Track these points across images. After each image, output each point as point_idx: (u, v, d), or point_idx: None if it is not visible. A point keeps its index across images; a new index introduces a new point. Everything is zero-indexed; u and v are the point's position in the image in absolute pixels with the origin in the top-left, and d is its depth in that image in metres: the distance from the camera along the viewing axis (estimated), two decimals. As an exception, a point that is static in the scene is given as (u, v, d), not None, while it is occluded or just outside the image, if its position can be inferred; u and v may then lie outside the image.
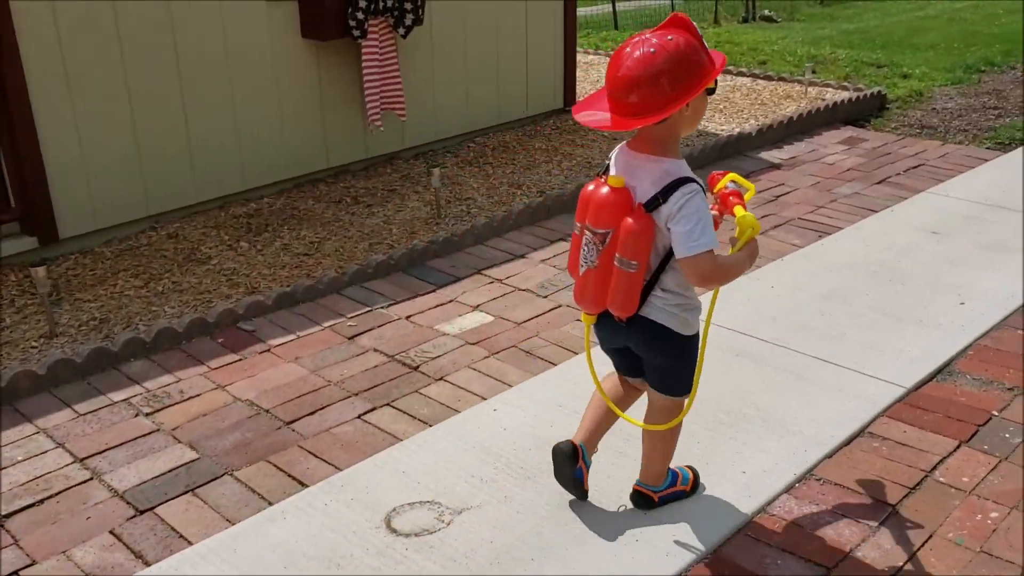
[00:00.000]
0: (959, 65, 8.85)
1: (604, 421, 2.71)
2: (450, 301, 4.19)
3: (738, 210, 2.40)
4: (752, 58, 9.06)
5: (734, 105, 7.15)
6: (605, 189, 2.34)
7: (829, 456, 2.97)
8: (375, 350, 3.76)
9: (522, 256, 4.67)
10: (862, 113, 7.17)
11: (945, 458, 2.95)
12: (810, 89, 7.54)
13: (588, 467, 2.69)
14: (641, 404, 2.70)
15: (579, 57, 8.87)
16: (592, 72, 8.36)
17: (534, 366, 3.60)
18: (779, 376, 3.43)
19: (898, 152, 6.31)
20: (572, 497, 2.75)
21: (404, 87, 5.63)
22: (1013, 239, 4.67)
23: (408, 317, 4.04)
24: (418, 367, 3.62)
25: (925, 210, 5.14)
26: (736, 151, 6.18)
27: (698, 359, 2.52)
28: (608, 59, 9.08)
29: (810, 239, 4.79)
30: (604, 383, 2.70)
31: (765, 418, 3.17)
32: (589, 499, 2.75)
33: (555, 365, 3.57)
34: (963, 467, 2.91)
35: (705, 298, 2.54)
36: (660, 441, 2.64)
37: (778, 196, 5.48)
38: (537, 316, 4.03)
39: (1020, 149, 6.22)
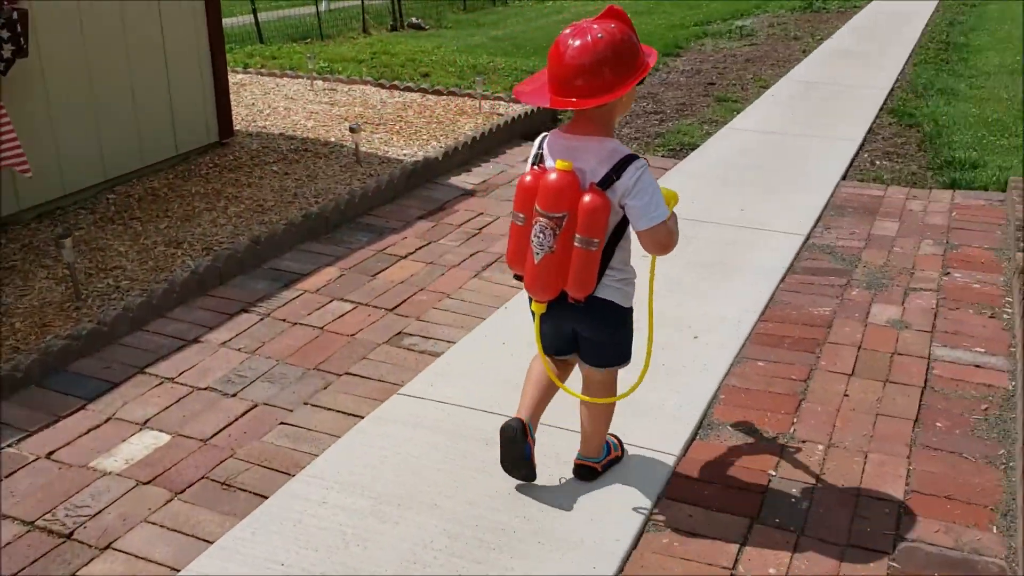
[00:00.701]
0: (611, 69, 9.00)
1: (544, 398, 2.71)
2: (107, 420, 3.21)
3: None
4: (413, 70, 8.60)
5: (410, 125, 6.60)
6: (554, 174, 2.39)
7: (621, 570, 2.49)
8: (6, 517, 2.73)
9: (196, 340, 3.77)
10: (537, 128, 6.94)
11: (743, 545, 2.58)
12: (483, 103, 7.20)
13: (535, 443, 2.67)
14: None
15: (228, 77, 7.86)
16: (245, 94, 7.42)
17: (236, 504, 2.77)
18: (537, 465, 2.90)
19: (582, 166, 6.11)
20: None
21: (16, 135, 4.43)
22: (722, 256, 4.55)
23: (50, 455, 3.02)
24: (72, 534, 2.65)
25: (627, 230, 4.91)
26: (425, 178, 5.64)
27: (648, 331, 2.67)
28: (258, 77, 8.13)
29: (524, 277, 4.34)
30: (532, 370, 2.72)
31: (537, 530, 2.62)
32: None
33: (265, 498, 2.76)
34: (765, 556, 2.54)
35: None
36: (603, 415, 2.74)
37: (481, 228, 5.00)
38: (228, 425, 3.18)
39: (691, 155, 6.29)
